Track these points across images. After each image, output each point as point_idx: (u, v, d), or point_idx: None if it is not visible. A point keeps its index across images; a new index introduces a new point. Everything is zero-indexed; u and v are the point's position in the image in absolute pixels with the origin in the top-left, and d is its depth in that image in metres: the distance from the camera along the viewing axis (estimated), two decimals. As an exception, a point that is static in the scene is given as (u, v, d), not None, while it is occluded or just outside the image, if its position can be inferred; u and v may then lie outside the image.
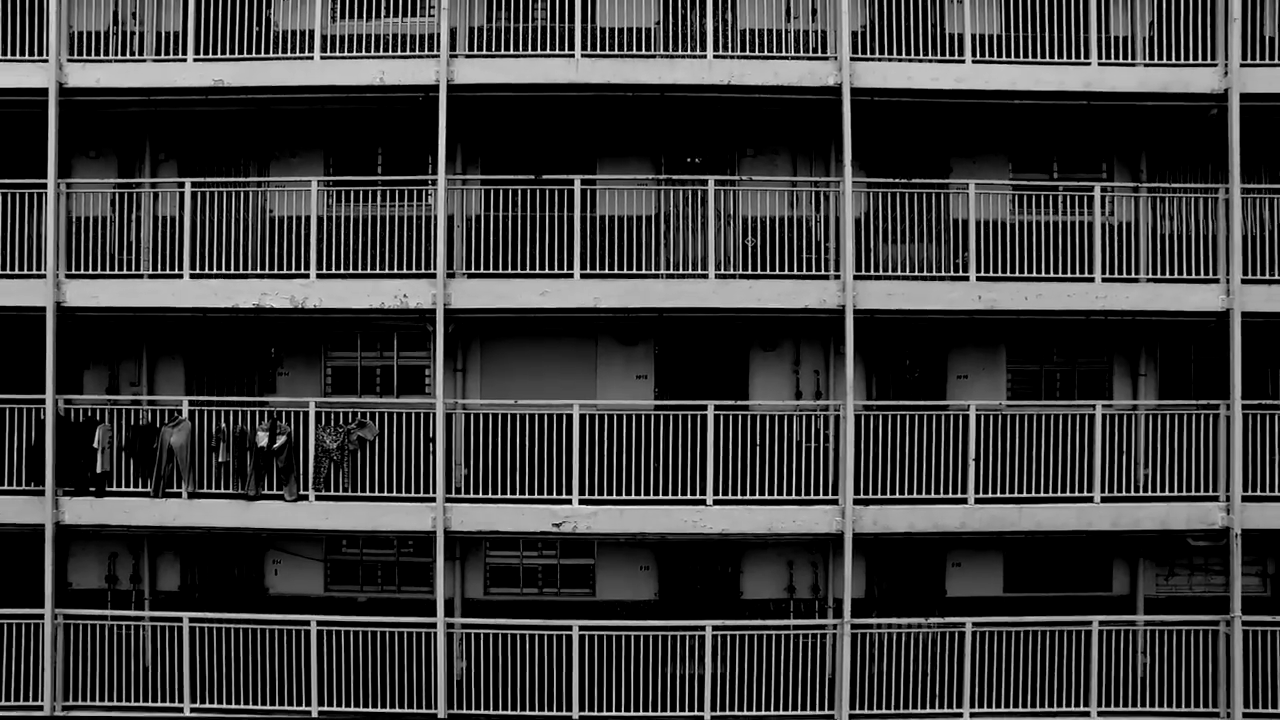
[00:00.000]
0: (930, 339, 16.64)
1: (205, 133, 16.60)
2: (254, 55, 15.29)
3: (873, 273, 15.45)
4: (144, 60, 15.51)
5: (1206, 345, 16.29)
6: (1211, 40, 15.30)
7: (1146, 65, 15.30)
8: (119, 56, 15.74)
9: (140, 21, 16.41)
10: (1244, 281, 15.01)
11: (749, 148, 16.68)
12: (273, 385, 16.70)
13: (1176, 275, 15.47)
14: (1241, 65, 14.98)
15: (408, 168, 16.63)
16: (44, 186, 15.23)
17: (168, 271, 15.57)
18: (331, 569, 16.76)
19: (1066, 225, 15.59)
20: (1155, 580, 16.75)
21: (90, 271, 15.59)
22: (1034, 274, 15.39)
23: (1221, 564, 15.92)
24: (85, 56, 15.54)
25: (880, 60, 15.14)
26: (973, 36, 15.41)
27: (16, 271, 15.43)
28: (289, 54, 15.51)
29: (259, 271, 15.48)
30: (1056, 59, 15.41)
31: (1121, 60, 15.54)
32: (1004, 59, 15.38)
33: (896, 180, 15.66)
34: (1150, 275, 15.68)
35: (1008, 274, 15.39)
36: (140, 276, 15.77)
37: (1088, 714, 14.70)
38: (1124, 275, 15.68)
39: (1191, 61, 15.20)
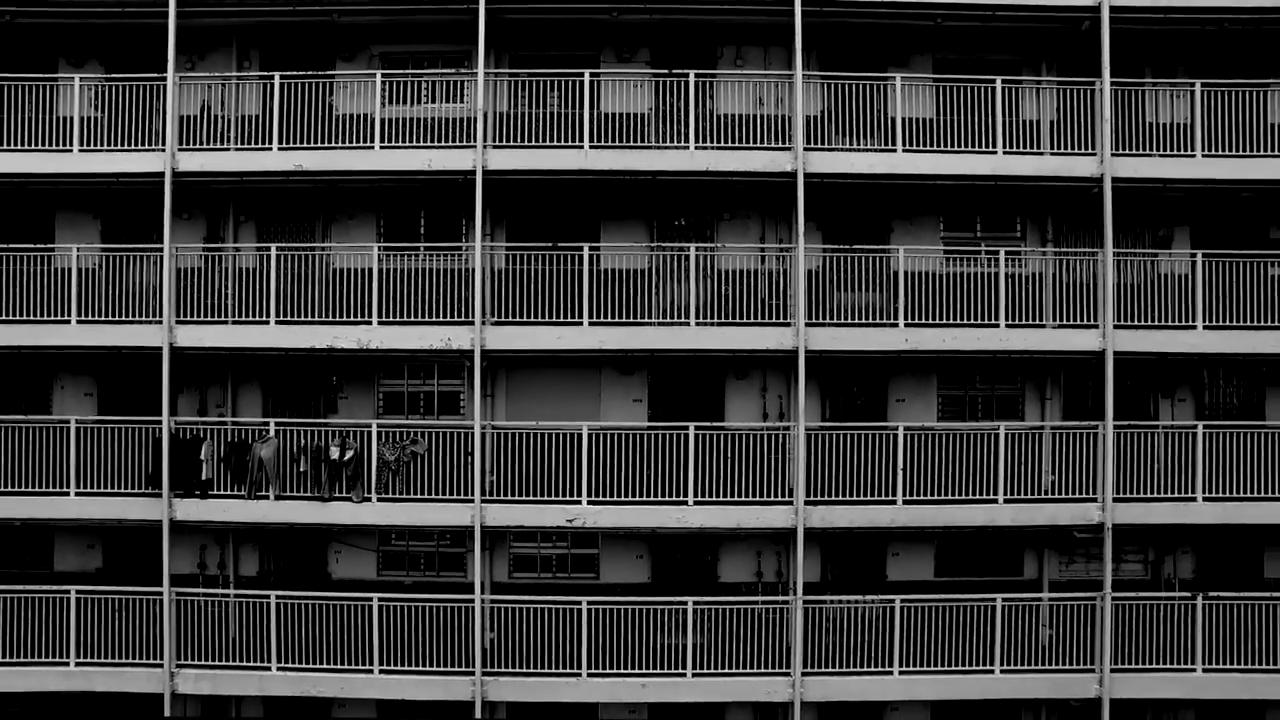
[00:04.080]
0: (873, 370, 20.12)
1: (279, 200, 20.06)
2: (326, 145, 18.82)
3: (826, 319, 18.82)
4: (236, 149, 18.99)
5: (1099, 376, 19.81)
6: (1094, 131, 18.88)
7: (1040, 154, 18.81)
8: (212, 145, 19.24)
9: (225, 107, 20.00)
10: (1116, 326, 18.56)
11: (725, 213, 20.13)
12: (335, 407, 20.24)
13: (1075, 320, 18.94)
14: (1113, 155, 18.53)
15: (445, 227, 20.13)
16: (157, 250, 18.83)
17: (250, 318, 18.88)
18: (382, 558, 20.29)
19: (985, 276, 19.04)
20: (1059, 567, 20.23)
21: (185, 318, 18.88)
22: (960, 318, 18.79)
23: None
24: (190, 146, 19.07)
25: (828, 151, 18.69)
26: (904, 121, 18.88)
27: (120, 317, 18.84)
28: (350, 143, 18.99)
29: (327, 319, 18.78)
30: (974, 146, 18.81)
31: (1026, 148, 19.01)
32: (929, 148, 18.75)
33: (841, 246, 19.25)
34: (1055, 318, 19.21)
35: (936, 319, 18.81)
36: (225, 322, 18.95)
37: (992, 671, 18.32)
38: (1033, 319, 19.11)
39: (1077, 151, 18.71)
